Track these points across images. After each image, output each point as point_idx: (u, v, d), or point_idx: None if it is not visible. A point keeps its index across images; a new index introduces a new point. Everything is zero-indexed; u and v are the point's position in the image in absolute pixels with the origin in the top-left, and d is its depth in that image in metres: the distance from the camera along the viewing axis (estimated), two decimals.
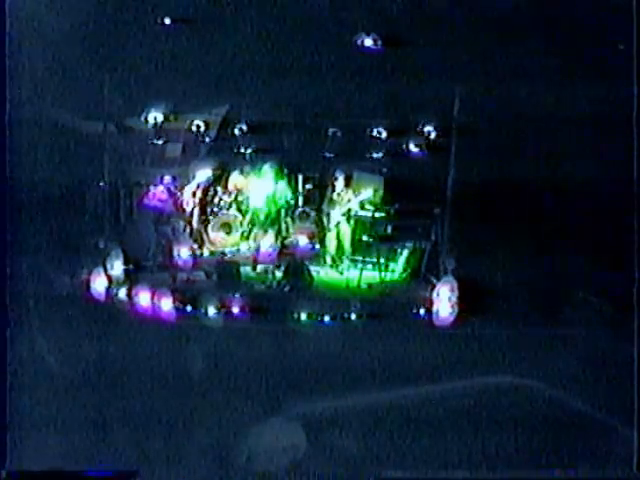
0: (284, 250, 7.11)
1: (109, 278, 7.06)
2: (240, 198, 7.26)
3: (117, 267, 7.11)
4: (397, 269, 7.01)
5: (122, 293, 7.05)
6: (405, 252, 7.00)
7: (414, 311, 6.71)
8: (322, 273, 7.09)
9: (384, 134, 6.84)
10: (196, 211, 7.27)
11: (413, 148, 6.80)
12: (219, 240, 7.25)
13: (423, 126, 6.76)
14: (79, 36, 6.81)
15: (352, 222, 7.13)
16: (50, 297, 6.83)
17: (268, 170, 7.13)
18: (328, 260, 7.19)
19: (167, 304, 6.91)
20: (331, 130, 6.90)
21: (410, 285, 6.91)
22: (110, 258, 7.10)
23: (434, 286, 6.73)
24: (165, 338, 6.77)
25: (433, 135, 6.77)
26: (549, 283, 6.58)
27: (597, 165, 6.53)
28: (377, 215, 7.03)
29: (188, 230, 7.24)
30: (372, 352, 6.62)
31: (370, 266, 7.03)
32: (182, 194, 7.25)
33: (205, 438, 6.68)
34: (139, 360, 6.72)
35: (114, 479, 6.66)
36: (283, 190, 7.20)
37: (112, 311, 6.93)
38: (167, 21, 6.79)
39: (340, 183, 7.17)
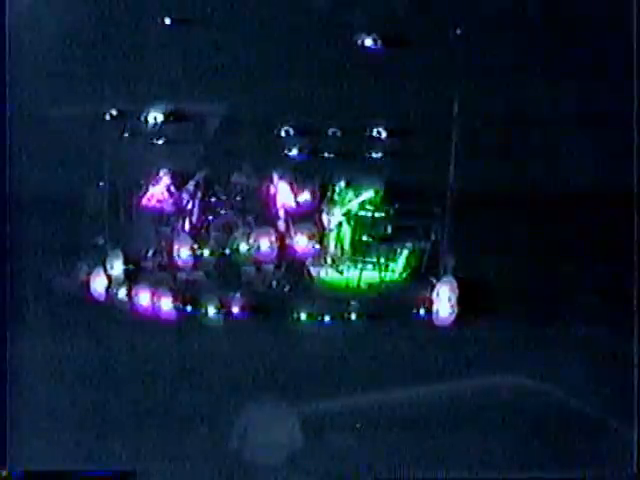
0: (284, 250, 7.10)
1: (109, 278, 7.07)
2: (240, 198, 7.26)
3: (117, 267, 7.11)
4: (397, 269, 7.00)
5: (122, 293, 7.06)
6: (405, 252, 6.98)
7: (414, 311, 6.71)
8: (322, 273, 7.09)
9: (384, 134, 6.84)
10: (196, 211, 7.27)
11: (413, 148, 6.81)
12: (219, 240, 7.25)
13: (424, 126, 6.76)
14: (79, 36, 6.82)
15: (352, 222, 7.12)
16: (50, 297, 6.85)
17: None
18: (328, 260, 7.18)
19: (167, 304, 6.92)
20: (331, 130, 6.90)
21: (410, 285, 6.90)
22: (110, 258, 7.11)
23: (434, 286, 6.73)
24: (165, 338, 6.77)
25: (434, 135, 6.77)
26: (549, 283, 6.58)
27: (597, 165, 6.53)
28: (377, 215, 7.02)
29: (188, 230, 7.24)
30: (372, 352, 6.62)
31: (370, 266, 7.02)
32: (182, 194, 7.25)
33: (205, 438, 6.69)
34: (139, 360, 6.73)
35: (114, 479, 6.67)
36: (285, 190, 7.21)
37: (112, 311, 6.94)
38: (167, 21, 6.80)
39: (341, 183, 7.16)
